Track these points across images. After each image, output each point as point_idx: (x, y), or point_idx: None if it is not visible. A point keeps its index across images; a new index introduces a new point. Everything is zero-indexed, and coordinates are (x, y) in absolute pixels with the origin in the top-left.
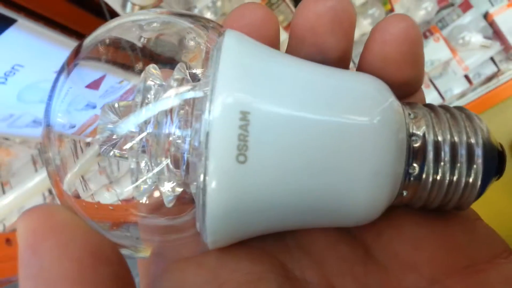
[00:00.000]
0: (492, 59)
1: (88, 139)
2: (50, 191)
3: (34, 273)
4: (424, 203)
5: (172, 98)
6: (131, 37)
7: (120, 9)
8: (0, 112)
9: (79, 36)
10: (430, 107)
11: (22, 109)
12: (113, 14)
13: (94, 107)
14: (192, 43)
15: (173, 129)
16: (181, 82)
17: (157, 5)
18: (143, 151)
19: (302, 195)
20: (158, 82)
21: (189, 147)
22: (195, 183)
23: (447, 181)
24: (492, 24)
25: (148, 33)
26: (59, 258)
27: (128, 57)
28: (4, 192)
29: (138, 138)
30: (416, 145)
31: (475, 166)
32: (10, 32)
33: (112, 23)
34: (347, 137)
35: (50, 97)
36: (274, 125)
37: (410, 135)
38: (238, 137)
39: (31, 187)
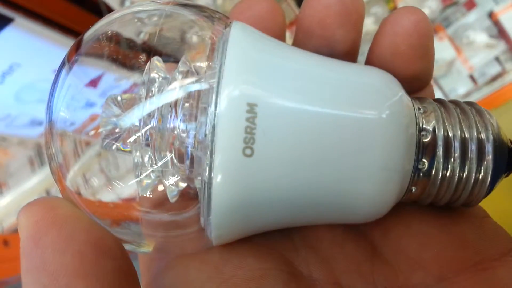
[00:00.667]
0: (497, 58)
1: (91, 133)
2: (47, 193)
3: (36, 266)
4: (433, 199)
5: (176, 90)
6: (132, 31)
7: (119, 7)
8: None
9: (77, 35)
10: (440, 101)
11: (19, 109)
12: None
13: (92, 105)
14: (195, 38)
15: (177, 123)
16: (186, 74)
17: None
18: (147, 145)
19: (309, 190)
20: (162, 74)
21: (193, 141)
22: (199, 178)
23: (456, 177)
24: (497, 23)
25: (149, 28)
26: (61, 251)
27: (129, 53)
28: (1, 192)
29: (141, 132)
30: (426, 140)
31: (485, 162)
32: (7, 31)
33: (113, 15)
34: (356, 131)
35: (52, 93)
36: (282, 118)
37: (420, 130)
38: (245, 130)
39: (29, 189)
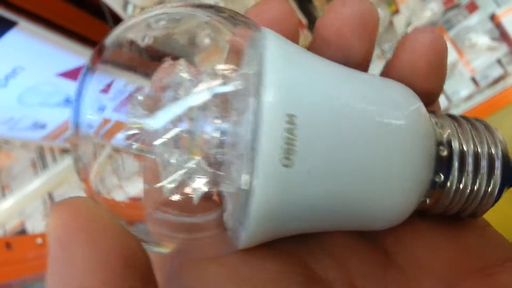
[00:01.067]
0: (499, 61)
1: (118, 135)
2: (50, 195)
3: (62, 270)
4: (443, 210)
5: (206, 93)
6: (151, 36)
7: (121, 10)
8: (0, 115)
9: (80, 38)
10: (452, 117)
11: (22, 112)
12: (114, 16)
13: (103, 109)
14: (207, 40)
15: (207, 126)
16: (215, 77)
17: None
18: (175, 147)
19: (340, 199)
20: (189, 76)
21: (224, 146)
22: (227, 182)
23: (468, 191)
24: (499, 26)
25: (166, 31)
26: (89, 258)
27: (149, 58)
28: (4, 195)
29: (170, 134)
30: (443, 154)
31: (494, 176)
32: (11, 34)
33: (132, 21)
34: (387, 142)
35: (77, 97)
36: (320, 129)
37: (438, 144)
38: (285, 141)
39: (31, 192)
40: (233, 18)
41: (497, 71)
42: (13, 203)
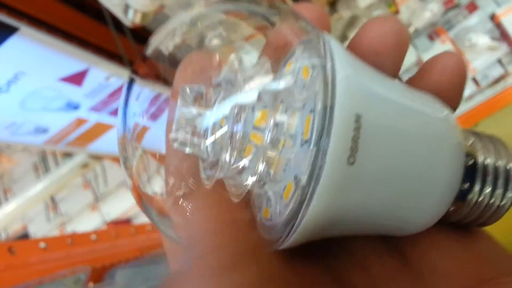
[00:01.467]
0: (499, 61)
1: (174, 135)
2: (52, 199)
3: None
4: (460, 219)
5: (261, 89)
6: (194, 38)
7: (122, 15)
8: (3, 120)
9: (82, 42)
10: (472, 132)
11: (24, 117)
12: (115, 20)
13: (145, 113)
14: (215, 41)
15: (260, 123)
16: (265, 73)
17: (159, 11)
18: (227, 144)
19: (389, 201)
20: (243, 73)
21: (278, 144)
22: (276, 181)
23: (485, 203)
24: (499, 26)
25: (213, 31)
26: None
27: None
28: (6, 199)
29: (221, 131)
30: (469, 164)
31: (508, 192)
32: (12, 40)
33: (167, 27)
34: (432, 146)
35: (125, 103)
36: (381, 129)
37: (466, 155)
38: (352, 139)
39: (33, 195)
40: (277, 9)
41: (497, 71)
42: (15, 207)
